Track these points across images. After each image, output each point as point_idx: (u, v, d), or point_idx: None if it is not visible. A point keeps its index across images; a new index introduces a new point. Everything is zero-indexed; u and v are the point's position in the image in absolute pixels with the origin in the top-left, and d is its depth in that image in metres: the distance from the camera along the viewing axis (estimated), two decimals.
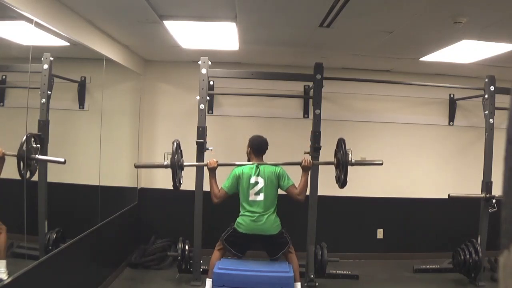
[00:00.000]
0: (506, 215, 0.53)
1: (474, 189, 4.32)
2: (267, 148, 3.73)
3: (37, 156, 2.61)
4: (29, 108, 2.53)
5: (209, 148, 3.95)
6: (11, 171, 2.49)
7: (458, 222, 4.89)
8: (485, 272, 4.21)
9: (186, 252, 4.05)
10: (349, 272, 4.36)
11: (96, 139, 3.66)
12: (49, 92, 2.82)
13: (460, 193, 4.30)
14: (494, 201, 4.08)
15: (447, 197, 4.15)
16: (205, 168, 3.81)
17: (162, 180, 4.95)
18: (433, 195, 4.99)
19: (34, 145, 2.61)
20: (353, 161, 3.51)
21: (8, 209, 2.55)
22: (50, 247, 2.91)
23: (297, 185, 3.59)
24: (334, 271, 4.27)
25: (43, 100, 2.78)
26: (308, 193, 4.03)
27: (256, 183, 3.51)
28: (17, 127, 2.57)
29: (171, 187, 4.86)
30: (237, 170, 3.60)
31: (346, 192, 5.00)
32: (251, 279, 3.27)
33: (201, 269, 3.99)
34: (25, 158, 2.49)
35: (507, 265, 0.51)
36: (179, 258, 4.06)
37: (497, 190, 4.12)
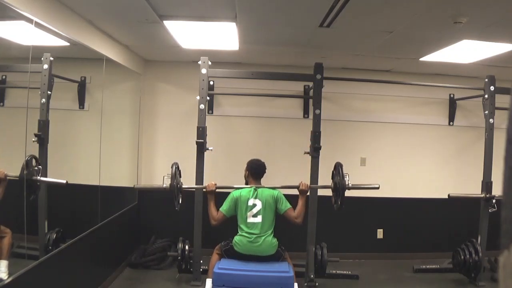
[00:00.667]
0: (506, 215, 0.53)
1: (474, 189, 4.32)
2: (264, 172, 3.72)
3: (39, 177, 2.63)
4: (29, 108, 2.53)
5: (209, 148, 3.95)
6: (11, 171, 2.49)
7: (458, 222, 4.89)
8: (485, 272, 4.21)
9: (186, 252, 4.05)
10: (349, 272, 4.36)
11: (96, 139, 3.66)
12: (49, 92, 2.82)
13: (460, 193, 4.30)
14: (494, 201, 4.07)
15: (447, 197, 4.15)
16: (205, 187, 3.72)
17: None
18: (433, 195, 4.99)
19: (36, 167, 2.62)
20: (350, 185, 3.51)
21: (8, 209, 2.55)
22: (50, 247, 2.91)
23: (295, 209, 3.57)
24: (334, 271, 4.27)
25: (43, 100, 2.78)
26: (308, 193, 4.03)
27: (254, 205, 3.52)
28: (17, 127, 2.57)
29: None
30: (235, 193, 3.61)
31: (346, 192, 5.02)
32: (251, 279, 3.26)
33: (201, 269, 3.99)
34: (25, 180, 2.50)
35: (507, 265, 0.51)
36: (179, 258, 4.06)
37: (497, 190, 4.12)
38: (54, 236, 2.97)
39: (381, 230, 5.11)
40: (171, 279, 4.17)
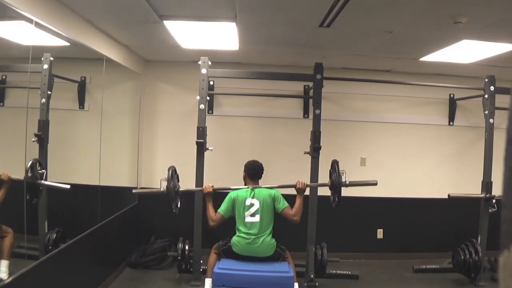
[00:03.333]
0: (506, 215, 0.53)
1: (474, 189, 4.32)
2: (262, 173, 3.73)
3: (42, 181, 2.64)
4: (29, 108, 2.53)
5: (209, 148, 3.95)
6: (11, 171, 2.49)
7: (458, 222, 4.88)
8: (485, 272, 4.21)
9: (186, 252, 4.05)
10: (349, 272, 4.36)
11: (96, 139, 3.66)
12: (49, 92, 2.82)
13: (460, 193, 4.30)
14: (494, 201, 4.08)
15: (447, 197, 4.15)
16: (202, 189, 3.73)
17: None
18: (433, 195, 4.99)
19: (39, 171, 2.63)
20: (347, 182, 3.52)
21: (9, 210, 2.55)
22: (50, 247, 2.91)
23: (292, 208, 3.57)
24: (334, 271, 4.27)
25: (43, 100, 2.78)
26: (308, 193, 4.04)
27: (252, 204, 3.52)
28: (17, 127, 2.57)
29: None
30: (233, 194, 3.61)
31: (346, 192, 5.00)
32: (251, 279, 3.26)
33: (201, 269, 3.99)
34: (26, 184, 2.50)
35: (507, 265, 0.51)
36: (179, 258, 4.06)
37: (497, 190, 4.12)
38: (54, 236, 2.98)
39: (381, 230, 5.11)
40: (171, 279, 4.18)
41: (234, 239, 3.50)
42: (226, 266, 3.37)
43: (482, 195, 4.15)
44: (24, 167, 2.51)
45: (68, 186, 2.82)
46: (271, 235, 3.51)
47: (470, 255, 4.11)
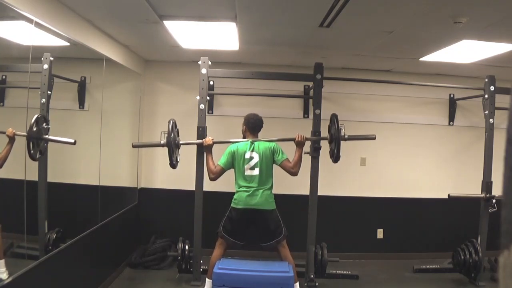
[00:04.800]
0: (506, 215, 0.53)
1: (474, 189, 4.32)
2: (262, 126, 3.80)
3: (46, 136, 2.64)
4: (29, 108, 2.53)
5: None
6: (12, 171, 2.49)
7: (458, 222, 4.88)
8: (485, 272, 4.21)
9: (186, 252, 4.05)
10: (349, 272, 4.36)
11: (96, 139, 3.66)
12: (49, 92, 2.82)
13: (460, 193, 4.30)
14: (494, 201, 4.07)
15: (447, 197, 4.15)
16: (202, 142, 3.80)
17: (162, 180, 4.96)
18: (433, 195, 4.99)
19: (44, 126, 2.63)
20: (346, 136, 3.60)
21: (8, 209, 2.55)
22: (50, 247, 2.91)
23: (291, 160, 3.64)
24: (334, 271, 4.27)
25: (43, 100, 2.78)
26: (308, 193, 4.04)
27: (251, 158, 3.56)
28: (17, 127, 2.57)
29: (171, 187, 4.91)
30: (232, 147, 3.66)
31: (346, 192, 5.03)
32: (251, 279, 3.26)
33: (201, 269, 3.98)
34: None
35: (507, 265, 0.51)
36: (179, 258, 4.07)
37: (497, 190, 4.12)
38: (54, 236, 2.97)
39: (381, 230, 5.10)
40: (171, 279, 4.17)
41: (235, 196, 3.55)
42: (226, 266, 3.37)
43: (482, 195, 4.15)
44: (24, 167, 2.51)
45: (73, 140, 2.81)
46: (271, 191, 3.56)
47: (470, 255, 4.11)
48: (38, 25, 2.50)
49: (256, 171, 3.54)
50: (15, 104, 2.85)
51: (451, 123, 5.14)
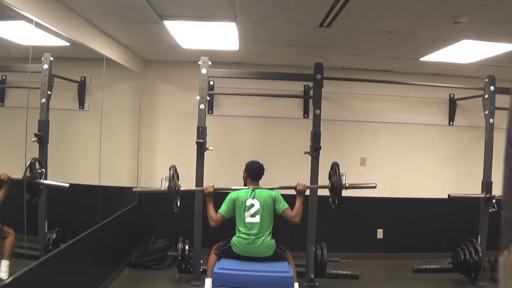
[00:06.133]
0: (506, 215, 0.53)
1: (474, 189, 4.32)
2: (263, 174, 3.74)
3: (42, 181, 2.64)
4: (29, 108, 2.53)
5: (209, 148, 3.95)
6: (12, 171, 2.49)
7: (458, 222, 4.88)
8: (485, 272, 4.21)
9: (186, 252, 4.05)
10: (349, 272, 4.36)
11: (96, 139, 3.66)
12: (49, 92, 2.82)
13: (460, 193, 4.30)
14: (494, 201, 4.07)
15: (447, 197, 4.15)
16: (203, 189, 3.74)
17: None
18: (433, 195, 4.99)
19: (39, 170, 2.64)
20: (347, 184, 3.53)
21: (9, 210, 2.55)
22: (50, 247, 2.91)
23: (292, 209, 3.59)
24: (334, 271, 4.27)
25: (43, 100, 2.78)
26: (308, 193, 4.04)
27: (252, 205, 3.53)
28: (17, 127, 2.57)
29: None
30: (233, 195, 3.62)
31: (346, 192, 5.01)
32: (251, 279, 3.27)
33: (201, 269, 3.98)
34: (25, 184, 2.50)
35: (507, 265, 0.51)
36: (179, 258, 4.06)
37: (497, 190, 4.12)
38: (54, 236, 2.98)
39: (381, 230, 5.10)
40: (171, 279, 4.18)
41: (234, 239, 3.50)
42: (226, 266, 3.37)
43: (482, 195, 4.15)
44: (24, 167, 2.51)
45: (67, 185, 2.83)
46: (271, 236, 3.52)
47: (470, 255, 4.11)
48: (38, 25, 2.50)
49: (257, 218, 3.50)
50: (15, 104, 2.85)
51: (451, 123, 5.15)
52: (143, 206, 4.89)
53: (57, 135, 2.93)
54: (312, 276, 3.88)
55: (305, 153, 4.08)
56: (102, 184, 3.70)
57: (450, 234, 4.85)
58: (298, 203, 3.60)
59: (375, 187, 3.62)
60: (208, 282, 3.45)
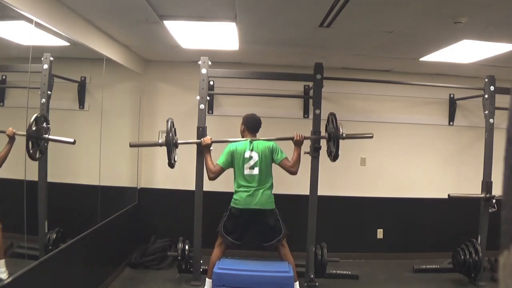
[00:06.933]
0: (506, 215, 0.53)
1: (474, 189, 4.32)
2: (260, 126, 3.80)
3: (46, 136, 2.64)
4: (29, 108, 2.53)
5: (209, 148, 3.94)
6: (12, 171, 2.49)
7: (458, 222, 4.88)
8: (485, 272, 4.21)
9: (186, 252, 4.05)
10: (349, 272, 4.36)
11: (96, 139, 3.66)
12: (49, 92, 2.82)
13: (460, 193, 4.30)
14: (494, 201, 4.07)
15: (447, 197, 4.15)
16: (201, 141, 3.81)
17: (162, 180, 4.96)
18: (433, 195, 4.99)
19: (44, 125, 2.63)
20: (344, 134, 3.62)
21: (8, 209, 2.55)
22: (50, 247, 2.91)
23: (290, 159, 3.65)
24: (334, 271, 4.27)
25: (43, 100, 2.78)
26: (308, 193, 4.04)
27: (250, 157, 3.58)
28: (17, 127, 2.57)
29: (171, 187, 4.91)
30: (231, 146, 3.67)
31: (346, 192, 5.03)
32: (251, 279, 3.27)
33: (201, 269, 3.99)
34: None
35: (507, 265, 0.51)
36: (179, 258, 4.07)
37: (497, 190, 4.12)
38: (54, 236, 2.97)
39: (381, 230, 5.10)
40: (171, 279, 4.17)
41: (234, 196, 3.56)
42: (226, 266, 3.37)
43: (482, 195, 4.15)
44: (24, 167, 2.51)
45: (73, 140, 2.81)
46: (270, 190, 3.57)
47: (470, 255, 4.11)
48: (38, 25, 2.50)
49: (256, 171, 3.55)
50: (15, 104, 2.85)
51: (451, 123, 5.15)
52: (143, 206, 4.89)
53: (57, 135, 2.93)
54: (312, 276, 3.88)
55: (305, 153, 4.07)
56: (102, 184, 3.70)
57: (450, 234, 4.84)
58: (296, 153, 3.66)
59: (371, 136, 3.71)
60: (208, 282, 3.46)
